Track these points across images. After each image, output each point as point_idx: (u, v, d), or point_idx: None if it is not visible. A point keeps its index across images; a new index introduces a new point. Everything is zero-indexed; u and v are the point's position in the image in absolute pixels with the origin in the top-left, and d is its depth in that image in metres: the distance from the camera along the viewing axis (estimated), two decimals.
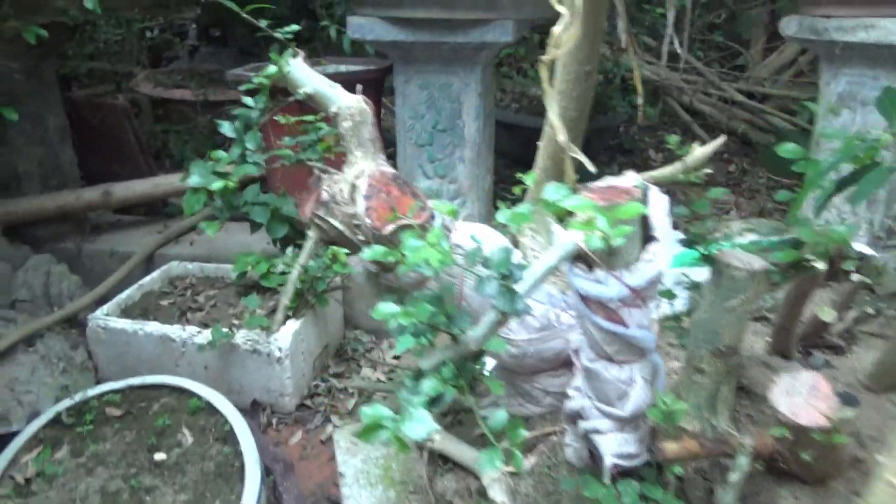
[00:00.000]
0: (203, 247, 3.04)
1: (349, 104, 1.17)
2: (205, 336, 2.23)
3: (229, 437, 1.78)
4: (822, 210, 1.44)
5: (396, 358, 2.88)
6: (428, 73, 2.50)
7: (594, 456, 1.24)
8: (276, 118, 1.30)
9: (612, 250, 0.99)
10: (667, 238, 1.01)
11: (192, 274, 2.76)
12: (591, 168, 1.20)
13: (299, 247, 2.38)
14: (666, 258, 1.00)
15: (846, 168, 1.35)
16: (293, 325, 2.35)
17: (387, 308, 0.85)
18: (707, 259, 1.10)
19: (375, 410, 0.79)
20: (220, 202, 1.35)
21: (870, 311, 1.43)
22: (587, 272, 1.02)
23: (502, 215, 1.10)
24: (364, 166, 1.20)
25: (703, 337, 1.19)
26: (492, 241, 1.28)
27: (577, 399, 1.17)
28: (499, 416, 0.88)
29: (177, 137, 4.14)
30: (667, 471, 1.10)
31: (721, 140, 1.54)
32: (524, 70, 4.51)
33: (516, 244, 1.65)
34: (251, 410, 2.35)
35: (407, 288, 1.33)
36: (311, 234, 1.24)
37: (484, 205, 2.90)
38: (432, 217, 1.23)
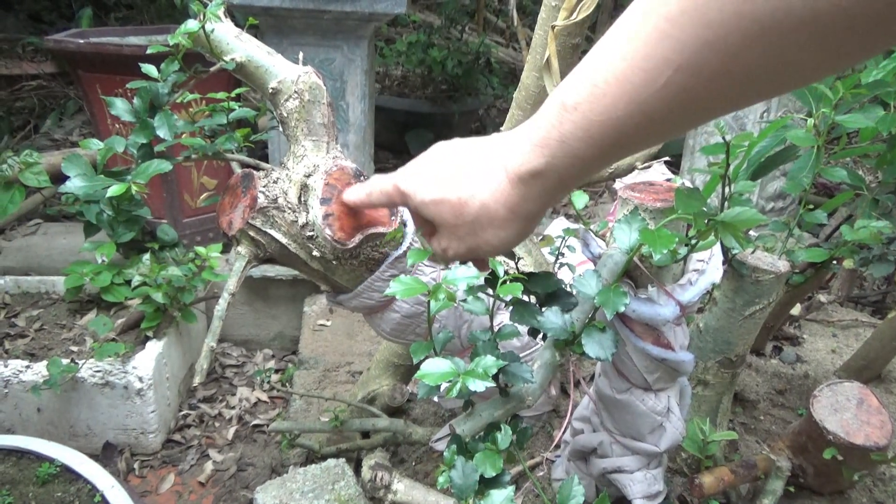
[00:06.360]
0: (16, 256, 2.53)
1: (295, 78, 0.87)
2: (36, 371, 1.77)
3: None
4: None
5: (278, 372, 2.54)
6: (305, 46, 2.16)
7: (598, 492, 1.08)
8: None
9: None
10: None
11: (4, 290, 2.21)
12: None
13: (145, 251, 1.97)
14: (718, 266, 0.84)
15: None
16: (154, 347, 1.97)
17: (435, 368, 0.60)
18: (729, 263, 0.97)
19: None
20: (110, 212, 0.96)
21: (822, 299, 1.43)
22: (631, 290, 0.84)
23: None
24: (316, 160, 0.90)
25: (714, 347, 1.06)
26: None
27: (591, 434, 0.99)
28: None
29: None
30: None
31: None
32: (379, 48, 4.24)
33: None
34: (104, 456, 1.96)
35: (361, 311, 1.06)
36: (241, 250, 0.92)
37: None
38: (404, 224, 0.97)
